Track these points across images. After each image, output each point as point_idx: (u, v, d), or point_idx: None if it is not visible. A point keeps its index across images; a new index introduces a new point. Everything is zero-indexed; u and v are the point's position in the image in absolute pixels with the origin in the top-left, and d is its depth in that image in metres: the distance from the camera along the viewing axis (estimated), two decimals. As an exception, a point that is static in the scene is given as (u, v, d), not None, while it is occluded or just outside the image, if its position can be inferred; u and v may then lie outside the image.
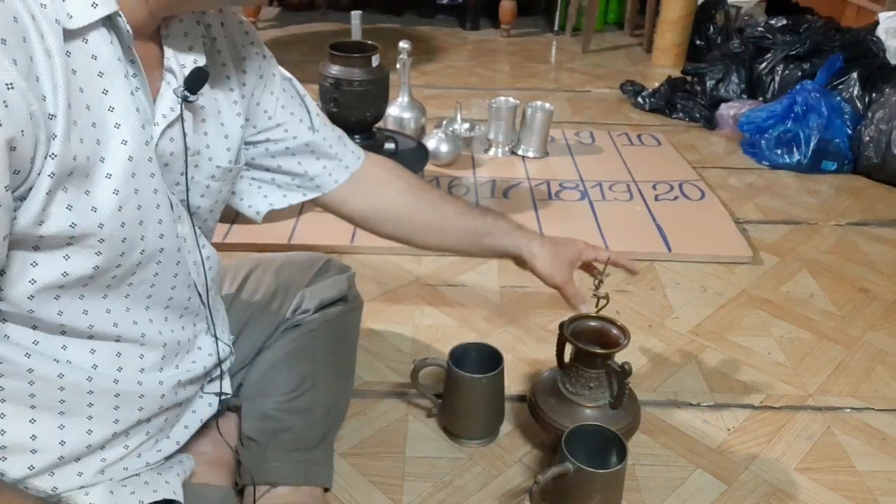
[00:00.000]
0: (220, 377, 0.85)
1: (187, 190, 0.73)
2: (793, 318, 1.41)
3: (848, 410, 1.17)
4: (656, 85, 2.60)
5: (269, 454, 0.89)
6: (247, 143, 0.84)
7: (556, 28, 3.57)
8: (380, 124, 1.78)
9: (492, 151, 2.08)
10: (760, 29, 2.51)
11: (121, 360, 0.69)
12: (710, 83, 2.48)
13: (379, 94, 1.62)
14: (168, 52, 0.68)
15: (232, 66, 0.78)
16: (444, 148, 1.94)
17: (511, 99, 2.08)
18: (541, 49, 3.35)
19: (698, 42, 2.98)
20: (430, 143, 1.92)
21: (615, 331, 0.99)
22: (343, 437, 1.06)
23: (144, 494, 0.73)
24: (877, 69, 2.17)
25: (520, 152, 2.09)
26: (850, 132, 2.06)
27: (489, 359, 1.04)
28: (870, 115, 2.03)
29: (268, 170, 0.88)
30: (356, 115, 1.61)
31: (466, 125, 2.10)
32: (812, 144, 2.05)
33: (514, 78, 2.90)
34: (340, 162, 0.91)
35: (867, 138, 2.02)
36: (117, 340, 0.69)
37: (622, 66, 3.11)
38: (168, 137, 0.68)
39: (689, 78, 2.59)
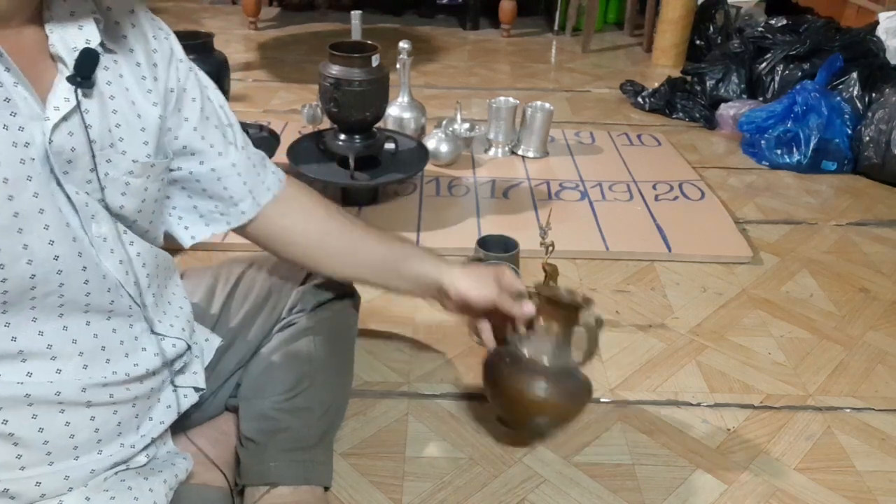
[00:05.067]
0: (172, 373, 0.81)
1: (102, 188, 0.68)
2: (793, 318, 1.41)
3: (848, 410, 1.17)
4: (656, 85, 2.60)
5: (269, 454, 0.88)
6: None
7: (556, 28, 3.56)
8: (380, 124, 1.77)
9: (492, 151, 2.08)
10: (760, 29, 2.51)
11: (32, 378, 0.66)
12: (710, 83, 2.48)
13: (379, 94, 1.61)
14: (53, 37, 0.63)
15: (141, 53, 0.72)
16: (444, 148, 1.94)
17: (511, 99, 2.07)
18: (541, 49, 3.35)
19: (698, 42, 2.98)
20: (430, 143, 1.92)
21: (574, 297, 0.95)
22: (343, 437, 1.06)
23: (125, 501, 0.71)
24: (877, 69, 2.17)
25: (520, 152, 2.08)
26: (850, 132, 2.06)
27: (510, 245, 1.33)
28: (870, 115, 2.03)
29: (189, 194, 0.83)
30: (356, 115, 1.61)
31: (466, 125, 2.10)
32: (812, 144, 2.05)
33: (514, 78, 2.90)
34: (263, 184, 0.86)
35: (867, 138, 2.01)
36: (21, 358, 0.65)
37: (622, 66, 3.11)
38: (66, 132, 0.63)
39: (689, 78, 2.58)
